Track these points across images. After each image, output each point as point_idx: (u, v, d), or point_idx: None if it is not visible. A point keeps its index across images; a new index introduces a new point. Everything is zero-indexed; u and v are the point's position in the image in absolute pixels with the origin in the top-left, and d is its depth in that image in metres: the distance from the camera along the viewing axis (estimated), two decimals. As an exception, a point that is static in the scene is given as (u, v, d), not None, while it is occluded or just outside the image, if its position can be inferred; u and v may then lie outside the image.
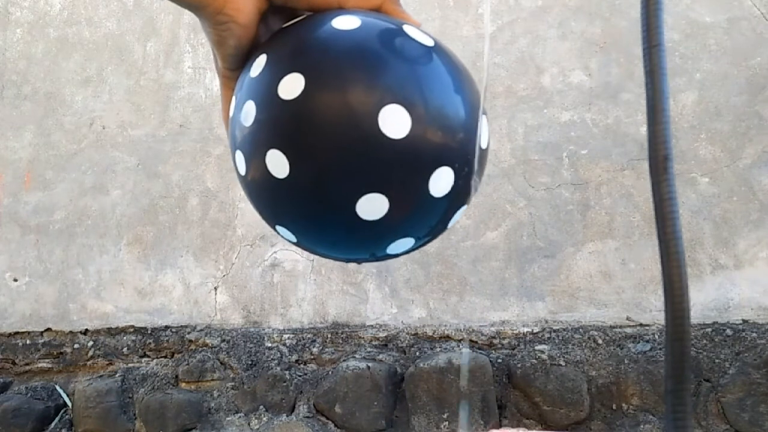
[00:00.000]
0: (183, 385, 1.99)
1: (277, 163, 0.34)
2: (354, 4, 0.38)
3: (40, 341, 2.17)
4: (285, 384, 1.91)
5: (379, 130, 0.33)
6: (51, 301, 2.21)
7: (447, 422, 1.77)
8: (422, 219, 0.37)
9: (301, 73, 0.33)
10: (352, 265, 2.01)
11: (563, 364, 1.74)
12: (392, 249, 0.39)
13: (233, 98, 0.38)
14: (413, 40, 0.36)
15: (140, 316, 2.13)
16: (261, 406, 1.91)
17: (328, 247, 0.39)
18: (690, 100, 1.86)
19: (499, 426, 1.76)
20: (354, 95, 0.33)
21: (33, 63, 2.42)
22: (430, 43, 0.37)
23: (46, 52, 2.42)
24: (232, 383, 1.96)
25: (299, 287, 2.04)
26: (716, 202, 1.79)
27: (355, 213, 0.35)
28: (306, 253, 2.06)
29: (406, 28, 0.37)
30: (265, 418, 1.89)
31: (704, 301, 1.74)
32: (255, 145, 0.35)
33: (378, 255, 0.39)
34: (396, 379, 1.86)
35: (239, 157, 0.37)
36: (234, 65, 0.38)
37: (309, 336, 1.97)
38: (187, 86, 2.27)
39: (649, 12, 0.29)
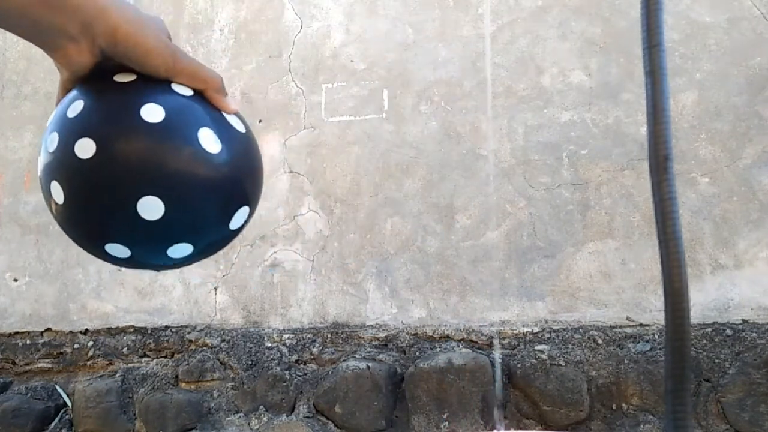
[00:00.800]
0: (183, 385, 1.99)
1: (57, 192, 0.43)
2: (182, 82, 0.45)
3: (40, 341, 2.18)
4: (285, 384, 1.91)
5: (136, 212, 0.42)
6: (51, 301, 2.21)
7: (447, 422, 1.77)
8: (158, 266, 0.48)
9: (96, 143, 0.42)
10: (353, 265, 2.02)
11: (563, 364, 1.74)
12: (139, 268, 0.51)
13: (54, 113, 0.45)
14: (199, 146, 0.44)
15: (140, 316, 2.13)
16: (261, 406, 1.91)
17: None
18: (690, 100, 1.86)
19: (499, 427, 1.76)
20: (127, 179, 0.41)
21: (33, 63, 2.42)
22: (215, 149, 0.45)
23: (46, 52, 2.42)
24: (232, 383, 1.96)
25: (299, 287, 2.04)
26: (716, 202, 1.79)
27: (104, 249, 0.45)
28: (306, 253, 2.06)
29: (201, 133, 0.44)
30: (265, 418, 1.89)
31: (704, 301, 1.74)
32: (47, 171, 0.44)
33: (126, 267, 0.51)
34: (396, 379, 1.86)
35: (39, 164, 0.46)
36: (68, 85, 0.46)
37: (309, 336, 1.97)
38: (187, 86, 2.27)
39: (649, 12, 0.29)
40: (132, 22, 0.42)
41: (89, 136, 0.42)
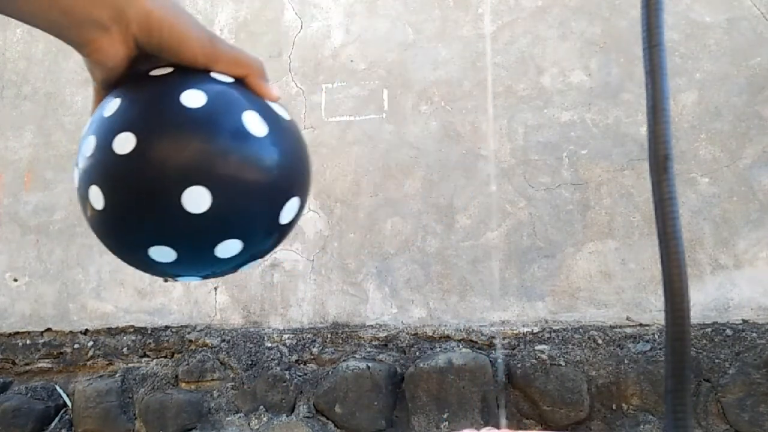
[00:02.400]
0: (183, 385, 1.99)
1: (96, 197, 0.41)
2: (221, 69, 0.42)
3: (40, 341, 2.18)
4: (285, 384, 1.91)
5: (181, 205, 0.39)
6: (51, 301, 2.21)
7: (447, 422, 1.77)
8: (207, 269, 0.45)
9: (136, 136, 0.39)
10: (353, 265, 2.01)
11: (563, 364, 1.74)
12: (182, 279, 0.47)
13: (90, 119, 0.43)
14: (245, 129, 0.41)
15: (140, 316, 2.13)
16: (261, 406, 1.91)
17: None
18: (690, 100, 1.86)
19: (499, 426, 1.75)
20: (170, 170, 0.39)
21: (33, 63, 2.42)
22: (262, 133, 0.42)
23: (46, 52, 2.42)
24: (232, 383, 1.96)
25: (299, 287, 2.04)
26: (716, 202, 1.79)
27: (148, 255, 0.42)
28: (306, 253, 2.06)
29: (245, 116, 0.42)
30: (265, 418, 1.89)
31: (704, 301, 1.74)
32: (85, 176, 0.42)
33: (169, 280, 0.47)
34: (396, 379, 1.86)
35: (75, 173, 0.43)
36: (103, 88, 0.43)
37: (309, 336, 1.97)
38: (187, 86, 2.27)
39: (650, 12, 0.29)
40: (165, 7, 0.39)
41: (128, 130, 0.39)
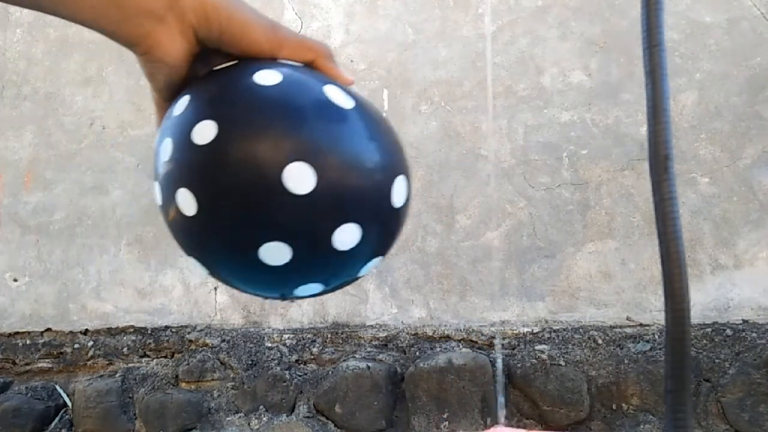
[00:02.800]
0: (183, 385, 1.99)
1: (187, 201, 0.36)
2: (286, 55, 0.39)
3: (40, 341, 2.18)
4: (285, 384, 1.91)
5: (283, 185, 0.34)
6: (51, 301, 2.21)
7: (447, 422, 1.77)
8: (327, 269, 0.39)
9: (215, 121, 0.35)
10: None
11: (563, 364, 1.74)
12: (301, 291, 0.40)
13: (159, 128, 0.39)
14: (330, 101, 0.38)
15: (140, 316, 2.13)
16: (261, 406, 1.91)
17: (237, 284, 0.41)
18: (690, 100, 1.86)
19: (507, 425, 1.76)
20: (262, 149, 0.35)
21: (33, 63, 2.42)
22: (349, 105, 0.38)
23: (46, 52, 2.42)
24: (232, 383, 1.96)
25: (299, 287, 2.04)
26: (716, 202, 1.79)
27: (258, 257, 0.36)
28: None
29: (327, 89, 0.38)
30: (265, 418, 1.89)
31: (704, 301, 1.74)
32: (169, 181, 0.37)
33: (287, 296, 0.41)
34: (396, 379, 1.86)
35: (156, 188, 0.39)
36: (165, 98, 0.40)
37: (309, 336, 1.97)
38: (187, 86, 2.27)
39: (650, 12, 0.29)
40: None
41: (205, 119, 0.35)
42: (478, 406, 1.75)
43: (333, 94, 0.38)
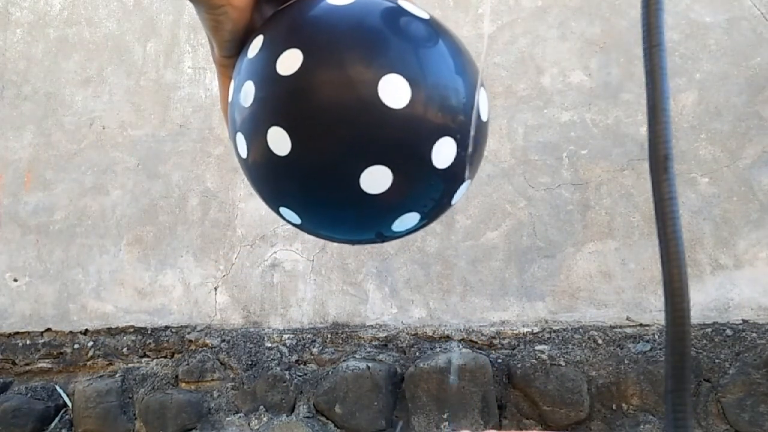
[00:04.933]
0: (183, 385, 1.99)
1: (279, 141, 0.34)
2: None
3: (40, 341, 2.17)
4: (285, 384, 1.91)
5: (380, 99, 0.33)
6: (51, 301, 2.21)
7: (447, 422, 1.76)
8: (426, 191, 0.37)
9: (299, 48, 0.34)
10: (353, 265, 2.01)
11: (563, 364, 1.73)
12: (398, 226, 0.38)
13: (231, 83, 0.38)
14: (408, 13, 0.36)
15: (140, 316, 2.13)
16: (261, 406, 1.91)
17: (333, 227, 0.39)
18: (690, 100, 1.86)
19: (500, 426, 1.76)
20: (352, 67, 0.33)
21: (33, 63, 2.42)
22: (425, 16, 0.37)
23: (46, 52, 2.42)
24: (232, 383, 1.96)
25: (299, 287, 2.04)
26: (716, 202, 1.79)
27: (359, 187, 0.34)
28: (306, 253, 2.06)
29: (401, 2, 0.37)
30: (265, 418, 1.89)
31: (704, 301, 1.74)
32: (256, 124, 0.35)
33: (384, 234, 0.39)
34: (396, 379, 1.86)
35: (240, 139, 0.36)
36: (231, 51, 0.38)
37: (309, 336, 1.97)
38: (187, 86, 2.27)
39: (650, 12, 0.29)
40: None
41: (287, 48, 0.33)
42: (478, 406, 1.75)
43: (408, 6, 0.37)
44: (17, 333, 2.21)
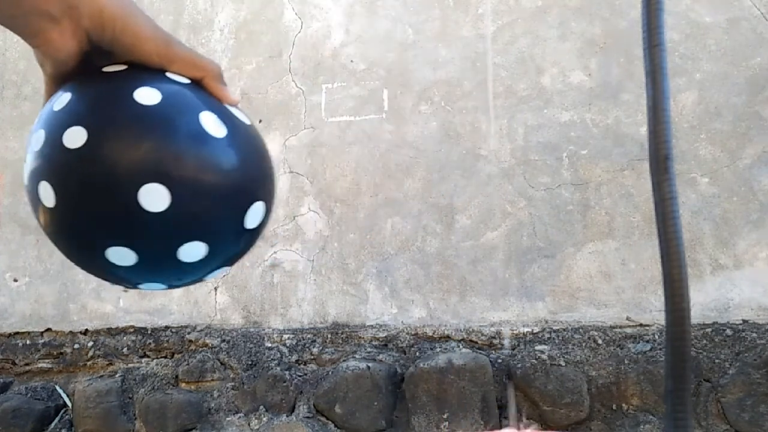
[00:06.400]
0: (183, 385, 1.99)
1: (47, 194, 0.38)
2: (176, 70, 0.41)
3: (40, 341, 2.18)
4: (285, 384, 1.91)
5: (137, 202, 0.37)
6: (51, 301, 2.21)
7: (447, 422, 1.76)
8: (171, 275, 0.42)
9: (87, 129, 0.37)
10: (353, 265, 2.01)
11: (563, 364, 1.74)
12: (145, 287, 0.43)
13: (39, 114, 0.41)
14: (202, 129, 0.40)
15: (140, 316, 2.13)
16: (261, 407, 1.91)
17: (88, 272, 0.44)
18: (690, 100, 1.86)
19: (500, 426, 1.76)
20: (123, 166, 0.37)
21: (33, 63, 2.42)
22: (220, 133, 0.40)
23: (46, 52, 2.42)
24: (232, 383, 1.96)
25: (299, 287, 2.04)
26: (716, 202, 1.79)
27: (105, 257, 0.39)
28: (306, 254, 2.06)
29: (203, 116, 0.40)
30: (265, 419, 1.89)
31: (704, 301, 1.74)
32: (34, 173, 0.39)
33: (132, 287, 0.44)
34: (396, 379, 1.86)
35: (24, 171, 0.41)
36: (54, 83, 0.42)
37: (309, 336, 1.97)
38: (187, 86, 2.27)
39: (650, 12, 0.29)
40: (120, 4, 0.38)
41: (79, 124, 0.37)
42: (478, 407, 1.75)
43: (207, 121, 0.40)
44: (17, 333, 2.21)
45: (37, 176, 0.39)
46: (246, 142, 0.42)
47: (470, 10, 2.08)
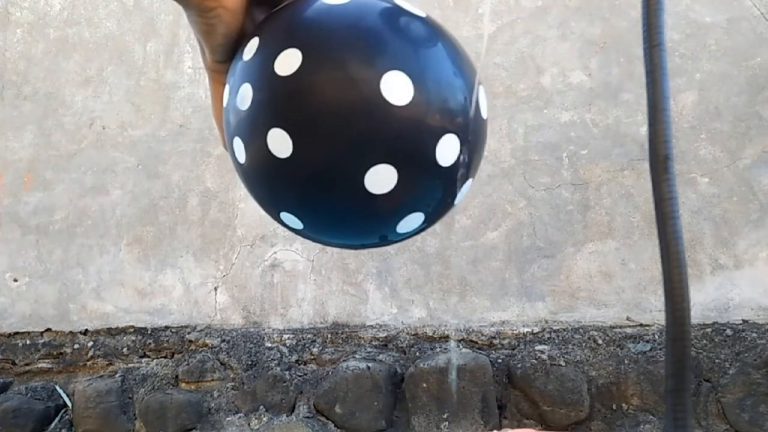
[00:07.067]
0: (183, 385, 1.99)
1: (280, 143, 0.33)
2: None
3: (40, 341, 2.17)
4: (285, 384, 1.91)
5: (382, 97, 0.32)
6: (51, 301, 2.21)
7: (447, 422, 1.76)
8: (431, 190, 0.37)
9: (297, 48, 0.33)
10: (353, 265, 2.01)
11: (563, 364, 1.73)
12: (402, 227, 0.38)
13: (226, 87, 0.37)
14: (406, 11, 0.36)
15: (140, 316, 2.13)
16: (261, 407, 1.91)
17: (336, 231, 0.38)
18: (690, 100, 1.86)
19: (500, 426, 1.76)
20: (353, 65, 0.32)
21: (33, 63, 2.42)
22: (422, 15, 0.37)
23: (46, 53, 2.42)
24: (232, 383, 1.96)
25: (299, 287, 2.04)
26: (716, 202, 1.79)
27: (364, 187, 0.34)
28: (306, 254, 2.06)
29: (398, 1, 0.37)
30: (265, 419, 1.89)
31: (704, 301, 1.74)
32: (254, 127, 0.34)
33: (388, 236, 0.39)
34: (396, 379, 1.86)
35: (237, 143, 0.35)
36: (223, 56, 0.37)
37: (309, 336, 1.97)
38: (187, 86, 2.27)
39: (650, 12, 0.29)
40: None
41: (287, 48, 0.33)
42: (478, 407, 1.75)
43: (405, 4, 0.37)
44: (17, 333, 2.21)
45: (261, 129, 0.33)
46: (439, 23, 0.39)
47: (470, 10, 2.08)
